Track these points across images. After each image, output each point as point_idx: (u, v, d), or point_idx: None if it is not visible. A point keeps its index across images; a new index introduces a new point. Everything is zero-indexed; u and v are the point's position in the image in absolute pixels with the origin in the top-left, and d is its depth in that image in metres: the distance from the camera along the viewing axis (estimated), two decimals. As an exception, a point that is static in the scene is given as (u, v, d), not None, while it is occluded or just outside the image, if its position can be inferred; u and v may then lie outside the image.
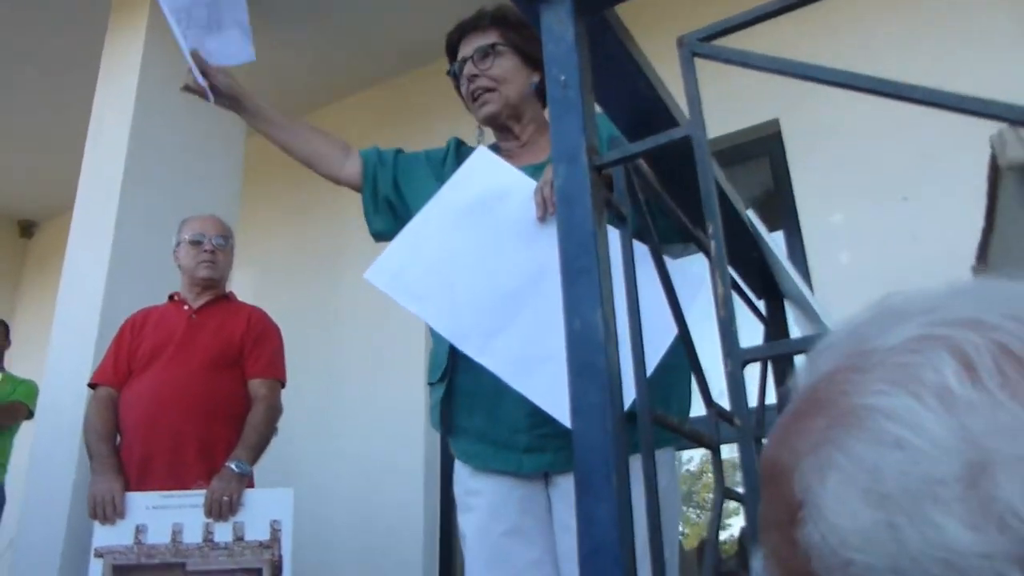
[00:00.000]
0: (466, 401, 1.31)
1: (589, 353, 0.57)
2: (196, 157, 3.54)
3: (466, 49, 1.47)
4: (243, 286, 3.29)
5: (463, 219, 1.17)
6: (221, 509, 1.88)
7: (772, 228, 3.37)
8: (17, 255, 5.88)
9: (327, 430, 3.71)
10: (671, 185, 0.86)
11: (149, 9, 3.59)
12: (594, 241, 0.62)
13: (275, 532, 1.90)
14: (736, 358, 0.61)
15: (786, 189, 3.18)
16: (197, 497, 1.94)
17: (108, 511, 1.90)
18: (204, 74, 1.48)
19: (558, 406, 1.02)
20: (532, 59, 1.47)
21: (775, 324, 1.16)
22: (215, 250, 2.32)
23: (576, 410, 0.57)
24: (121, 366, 2.18)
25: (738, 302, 0.97)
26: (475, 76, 1.44)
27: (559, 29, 0.73)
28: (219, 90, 1.48)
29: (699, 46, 0.65)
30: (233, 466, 1.98)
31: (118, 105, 3.54)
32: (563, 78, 0.70)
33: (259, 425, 2.11)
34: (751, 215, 1.10)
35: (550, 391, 1.03)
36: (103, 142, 3.51)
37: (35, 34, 4.11)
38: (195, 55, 1.47)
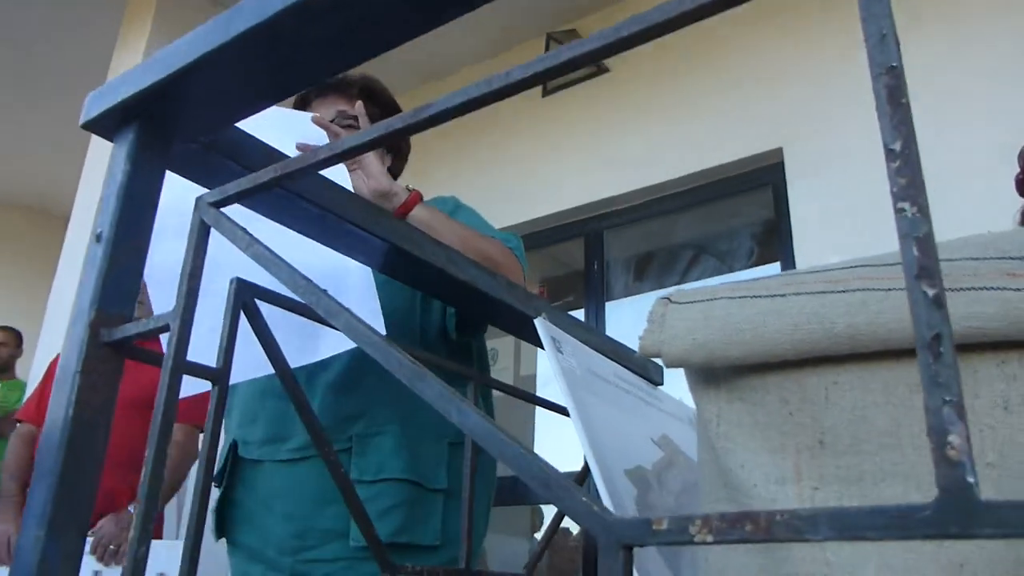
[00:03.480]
0: (239, 513, 1.21)
1: None
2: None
3: (324, 110, 1.28)
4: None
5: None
6: (105, 554, 1.84)
7: (768, 262, 3.14)
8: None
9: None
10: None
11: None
12: (70, 419, 0.53)
13: (161, 586, 1.84)
14: None
15: (785, 222, 2.95)
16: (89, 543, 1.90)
17: (2, 553, 1.88)
18: None
19: None
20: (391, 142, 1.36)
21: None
22: (140, 300, 2.26)
23: None
24: (44, 403, 2.17)
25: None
26: None
27: (114, 168, 0.61)
28: None
29: (208, 212, 0.53)
30: (132, 510, 1.93)
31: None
32: (100, 230, 0.59)
33: (168, 471, 2.06)
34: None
35: None
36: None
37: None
38: None
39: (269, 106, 0.60)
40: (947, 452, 0.23)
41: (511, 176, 3.76)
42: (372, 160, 1.12)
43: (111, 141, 0.63)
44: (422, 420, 1.12)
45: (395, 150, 1.38)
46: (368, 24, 0.51)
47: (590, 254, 3.64)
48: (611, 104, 3.58)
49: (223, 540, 1.24)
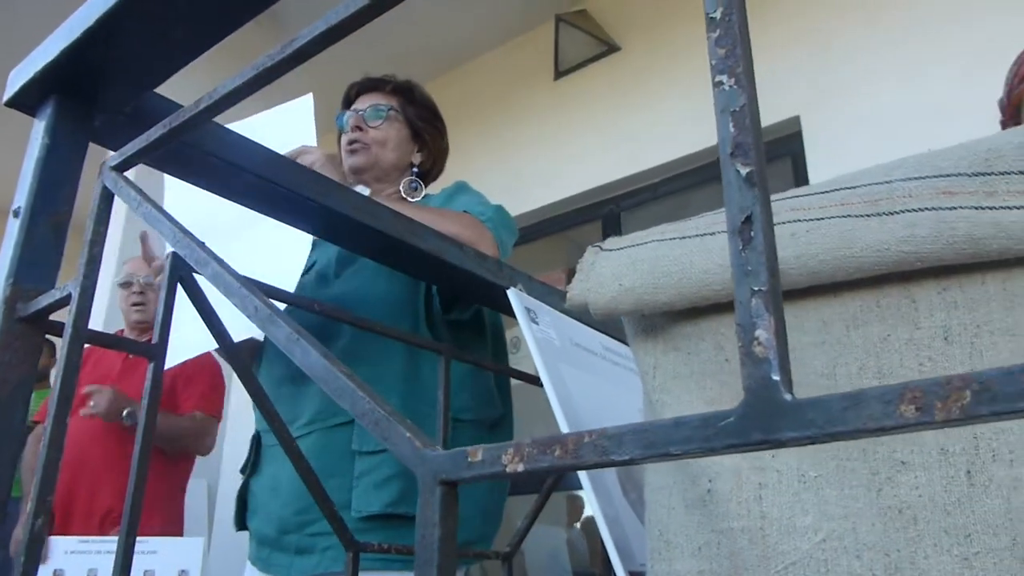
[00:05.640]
0: (252, 501, 1.22)
1: None
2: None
3: (362, 103, 1.44)
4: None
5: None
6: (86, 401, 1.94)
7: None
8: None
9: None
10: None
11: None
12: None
13: (183, 583, 1.86)
14: None
15: (806, 195, 2.86)
16: (113, 543, 1.91)
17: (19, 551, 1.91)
18: None
19: None
20: (421, 138, 1.45)
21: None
22: (144, 289, 2.27)
23: None
24: (61, 405, 2.19)
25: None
26: (358, 128, 1.39)
27: (32, 141, 0.60)
28: None
29: (110, 176, 0.51)
30: (124, 414, 2.04)
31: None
32: (17, 205, 0.58)
33: (174, 423, 2.12)
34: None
35: None
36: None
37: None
38: None
39: (185, 64, 0.57)
40: (753, 348, 0.20)
41: (526, 162, 3.72)
42: (323, 166, 1.18)
43: (34, 117, 0.62)
44: (425, 395, 1.11)
45: (423, 146, 1.45)
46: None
47: (607, 237, 3.58)
48: (623, 82, 3.52)
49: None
